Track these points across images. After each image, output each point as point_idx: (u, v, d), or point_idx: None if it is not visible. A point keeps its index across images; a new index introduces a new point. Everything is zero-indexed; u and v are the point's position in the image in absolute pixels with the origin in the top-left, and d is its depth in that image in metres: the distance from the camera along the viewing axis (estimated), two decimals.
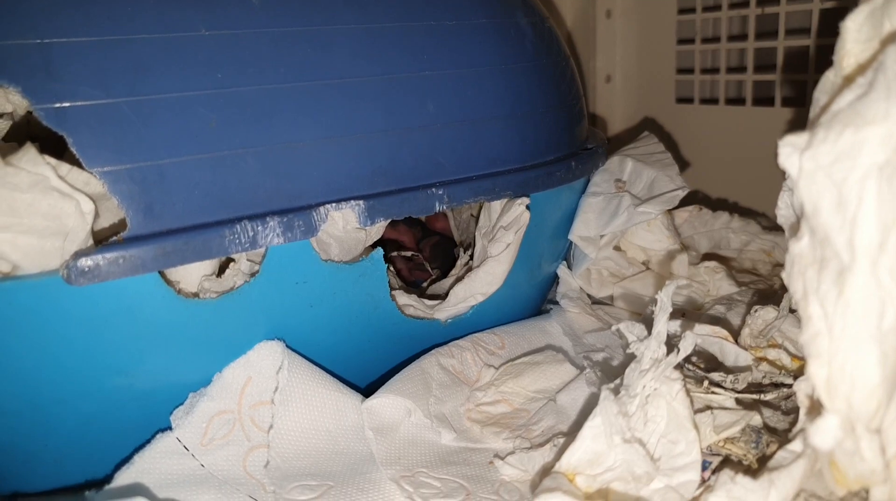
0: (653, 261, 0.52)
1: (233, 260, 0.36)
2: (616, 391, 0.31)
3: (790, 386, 0.35)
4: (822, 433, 0.24)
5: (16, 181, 0.30)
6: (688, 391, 0.32)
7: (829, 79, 0.28)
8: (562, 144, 0.46)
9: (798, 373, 0.37)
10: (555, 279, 0.53)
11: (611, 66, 0.76)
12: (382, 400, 0.37)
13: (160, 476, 0.33)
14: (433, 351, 0.41)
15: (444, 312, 0.43)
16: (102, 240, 0.32)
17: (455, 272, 0.50)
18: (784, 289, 0.43)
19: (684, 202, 0.50)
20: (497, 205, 0.44)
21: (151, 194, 0.32)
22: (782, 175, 0.27)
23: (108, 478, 0.33)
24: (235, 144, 0.33)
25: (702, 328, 0.40)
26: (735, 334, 0.41)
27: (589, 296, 0.52)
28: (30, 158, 0.31)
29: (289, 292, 0.36)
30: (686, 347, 0.31)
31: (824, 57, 0.35)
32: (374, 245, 0.39)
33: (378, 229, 0.39)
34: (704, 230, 0.58)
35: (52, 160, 0.31)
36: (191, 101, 0.33)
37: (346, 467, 0.35)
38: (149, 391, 0.35)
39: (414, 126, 0.38)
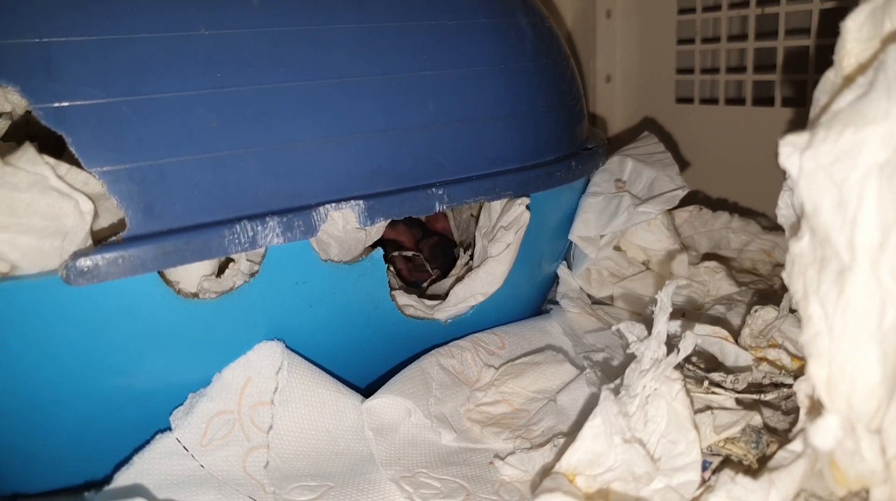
0: (653, 261, 0.52)
1: (232, 260, 0.36)
2: (616, 392, 0.31)
3: (790, 386, 0.35)
4: (823, 433, 0.24)
5: (14, 181, 0.30)
6: (688, 391, 0.32)
7: (830, 78, 0.28)
8: (562, 144, 0.46)
9: (798, 373, 0.37)
10: (555, 279, 0.53)
11: (611, 66, 0.76)
12: (382, 400, 0.37)
13: (160, 477, 0.33)
14: (433, 351, 0.41)
15: (444, 312, 0.43)
16: (102, 240, 0.32)
17: (455, 272, 0.50)
18: (784, 289, 0.43)
19: (684, 202, 0.50)
20: (497, 205, 0.44)
21: (151, 194, 0.32)
22: (782, 175, 0.27)
23: (108, 479, 0.33)
24: (235, 143, 0.33)
25: (702, 328, 0.40)
26: (735, 334, 0.41)
27: (589, 296, 0.52)
28: (28, 158, 0.31)
29: (288, 292, 0.36)
30: (686, 347, 0.31)
31: (824, 57, 0.35)
32: (373, 245, 0.39)
33: (378, 229, 0.39)
34: (704, 230, 0.58)
35: (51, 160, 0.31)
36: (191, 100, 0.33)
37: (346, 467, 0.35)
38: (148, 391, 0.35)
39: (414, 126, 0.38)
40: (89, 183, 0.32)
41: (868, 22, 0.27)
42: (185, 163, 0.32)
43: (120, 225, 0.32)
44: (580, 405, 0.38)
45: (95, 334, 0.32)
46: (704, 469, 0.31)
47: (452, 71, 0.40)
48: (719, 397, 0.34)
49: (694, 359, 0.39)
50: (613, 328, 0.35)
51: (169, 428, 0.34)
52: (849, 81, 0.26)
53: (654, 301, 0.32)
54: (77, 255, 0.30)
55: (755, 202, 0.65)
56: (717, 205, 0.62)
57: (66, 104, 0.30)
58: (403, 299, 0.42)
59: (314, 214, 0.35)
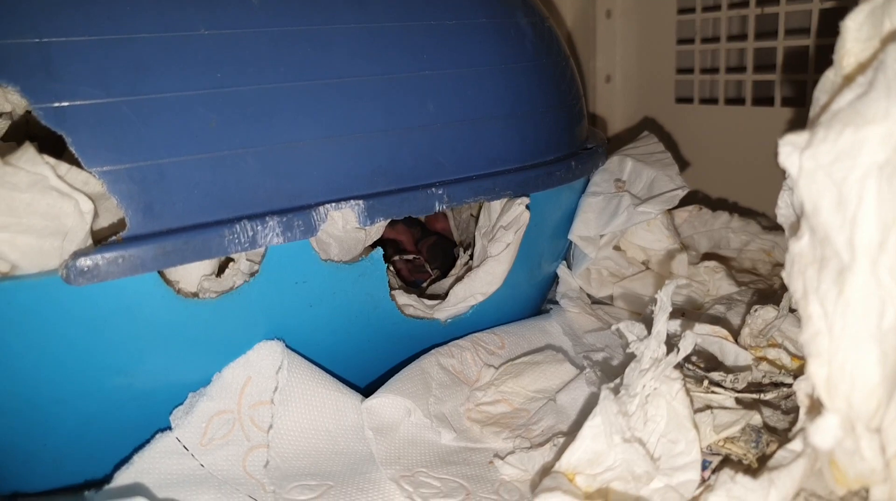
0: (653, 261, 0.52)
1: (232, 260, 0.36)
2: (616, 391, 0.31)
3: (790, 386, 0.35)
4: (822, 432, 0.24)
5: (14, 181, 0.30)
6: (688, 391, 0.32)
7: (829, 78, 0.28)
8: (562, 143, 0.46)
9: (798, 373, 0.37)
10: (555, 279, 0.53)
11: (611, 66, 0.76)
12: (382, 400, 0.37)
13: (160, 476, 0.33)
14: (433, 351, 0.41)
15: (444, 312, 0.43)
16: (102, 240, 0.32)
17: (455, 272, 0.50)
18: (784, 289, 0.43)
19: (684, 202, 0.50)
20: (497, 205, 0.44)
21: (151, 194, 0.32)
22: (782, 175, 0.27)
23: (108, 478, 0.33)
24: (235, 143, 0.33)
25: (702, 328, 0.40)
26: (735, 333, 0.41)
27: (589, 296, 0.52)
28: (28, 158, 0.31)
29: (288, 291, 0.36)
30: (686, 346, 0.31)
31: (824, 57, 0.35)
32: (373, 245, 0.39)
33: (378, 229, 0.39)
34: (704, 230, 0.58)
35: (51, 160, 0.31)
36: (191, 100, 0.33)
37: (346, 467, 0.35)
38: (148, 390, 0.35)
39: (414, 126, 0.38)
40: (89, 183, 0.32)
41: (868, 21, 0.27)
42: (185, 163, 0.32)
43: (120, 225, 0.32)
44: (580, 404, 0.38)
45: (95, 333, 0.32)
46: (704, 468, 0.31)
47: (452, 71, 0.40)
48: (719, 396, 0.34)
49: (694, 358, 0.39)
50: (613, 327, 0.35)
51: (169, 428, 0.34)
52: (848, 80, 0.26)
53: (654, 301, 0.32)
54: (77, 255, 0.30)
55: (755, 202, 0.65)
56: (716, 205, 0.62)
57: (66, 104, 0.30)
58: (403, 298, 0.42)
59: (314, 213, 0.35)
